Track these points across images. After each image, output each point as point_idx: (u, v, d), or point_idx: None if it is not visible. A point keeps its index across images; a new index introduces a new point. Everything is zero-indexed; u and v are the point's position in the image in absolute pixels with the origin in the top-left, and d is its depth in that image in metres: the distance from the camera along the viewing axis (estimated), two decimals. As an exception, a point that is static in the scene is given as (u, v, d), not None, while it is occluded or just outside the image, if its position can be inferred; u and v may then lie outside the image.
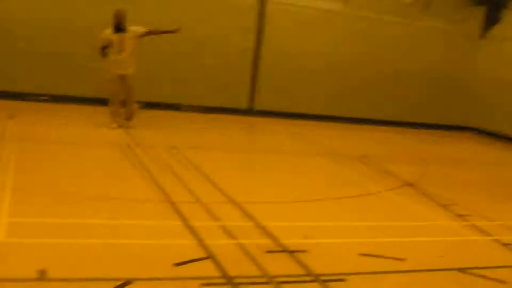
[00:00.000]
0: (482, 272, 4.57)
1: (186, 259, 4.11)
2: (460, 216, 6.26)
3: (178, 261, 4.06)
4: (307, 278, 4.06)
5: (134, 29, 9.36)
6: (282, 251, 4.52)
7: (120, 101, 9.61)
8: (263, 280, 3.95)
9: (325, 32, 13.35)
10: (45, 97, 11.52)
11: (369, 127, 13.62)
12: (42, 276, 3.61)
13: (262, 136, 11.91)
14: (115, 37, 9.27)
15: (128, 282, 3.64)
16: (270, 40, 12.92)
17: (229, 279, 3.88)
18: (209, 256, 4.22)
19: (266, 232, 4.93)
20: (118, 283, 3.61)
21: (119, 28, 9.26)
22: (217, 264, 4.10)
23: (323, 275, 4.12)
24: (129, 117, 9.72)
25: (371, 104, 14.09)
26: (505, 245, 5.42)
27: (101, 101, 10.12)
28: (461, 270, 4.56)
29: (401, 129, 14.00)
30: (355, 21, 13.54)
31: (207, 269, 4.02)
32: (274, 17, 12.84)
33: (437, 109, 14.87)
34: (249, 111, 13.10)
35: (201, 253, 4.27)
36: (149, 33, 9.48)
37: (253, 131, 12.42)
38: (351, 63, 13.68)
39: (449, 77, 14.64)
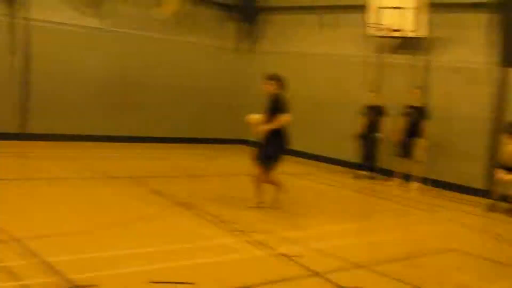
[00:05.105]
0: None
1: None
2: (237, 231, 6.69)
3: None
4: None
5: None
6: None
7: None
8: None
9: (92, 50, 13.15)
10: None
11: (147, 145, 13.67)
12: None
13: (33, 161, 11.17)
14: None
15: None
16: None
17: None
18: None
19: (52, 269, 4.76)
20: None
21: None
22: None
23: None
24: None
25: (148, 121, 14.18)
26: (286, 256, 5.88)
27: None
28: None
29: (178, 145, 14.19)
30: (119, 38, 13.54)
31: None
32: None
33: (213, 123, 15.29)
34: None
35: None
36: None
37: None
38: (122, 81, 13.60)
39: (221, 91, 15.28)
